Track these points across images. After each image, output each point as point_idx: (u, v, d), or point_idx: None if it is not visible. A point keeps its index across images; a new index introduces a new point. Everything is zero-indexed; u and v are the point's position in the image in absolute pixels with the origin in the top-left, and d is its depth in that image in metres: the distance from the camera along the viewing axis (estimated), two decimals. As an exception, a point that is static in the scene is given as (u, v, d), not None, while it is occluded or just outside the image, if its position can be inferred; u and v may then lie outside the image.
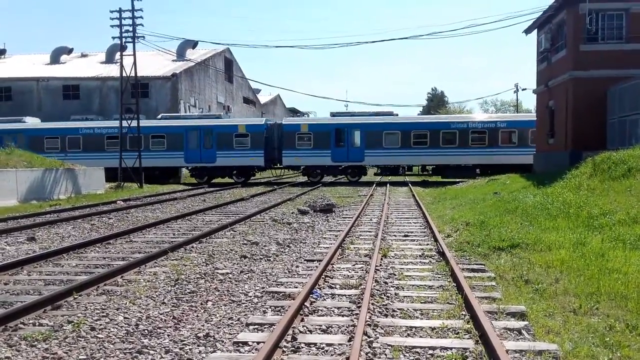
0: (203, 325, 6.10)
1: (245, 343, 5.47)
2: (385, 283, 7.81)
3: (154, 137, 36.01)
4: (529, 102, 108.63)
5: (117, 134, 33.40)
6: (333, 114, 37.25)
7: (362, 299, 6.72)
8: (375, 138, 34.63)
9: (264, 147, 35.76)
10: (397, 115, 36.70)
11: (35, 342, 5.52)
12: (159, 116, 38.28)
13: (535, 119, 29.96)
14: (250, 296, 7.33)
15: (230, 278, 8.41)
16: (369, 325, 5.89)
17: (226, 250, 10.76)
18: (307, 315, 6.33)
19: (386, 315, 6.31)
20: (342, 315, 6.37)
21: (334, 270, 8.76)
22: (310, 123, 35.72)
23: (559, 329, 5.72)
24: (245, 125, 36.37)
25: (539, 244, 9.66)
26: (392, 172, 37.11)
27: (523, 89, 61.21)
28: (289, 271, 8.88)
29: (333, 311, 6.54)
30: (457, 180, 32.72)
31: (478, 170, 34.58)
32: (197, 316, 6.47)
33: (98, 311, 6.58)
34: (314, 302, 6.88)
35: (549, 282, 7.48)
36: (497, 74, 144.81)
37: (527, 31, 27.51)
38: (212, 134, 35.74)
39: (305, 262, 9.58)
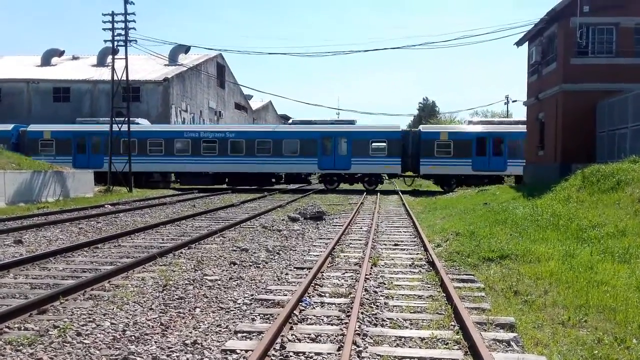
0: (191, 332, 6.04)
1: (233, 351, 5.42)
2: (375, 292, 7.78)
3: None
4: (520, 113, 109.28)
5: None
6: (79, 121, 38.28)
7: (351, 308, 6.69)
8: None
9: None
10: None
11: (20, 347, 5.45)
12: None
13: (262, 130, 35.93)
14: (239, 303, 7.28)
15: (219, 285, 8.35)
16: (359, 334, 5.87)
17: (215, 256, 10.70)
18: (296, 324, 6.29)
19: (375, 325, 6.29)
20: (332, 324, 6.33)
21: (323, 279, 8.73)
22: (53, 130, 36.40)
23: (548, 341, 5.72)
24: None
25: (528, 255, 9.69)
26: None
27: (514, 101, 61.79)
28: (278, 279, 8.83)
29: (322, 320, 6.51)
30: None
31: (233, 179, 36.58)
32: (185, 323, 6.41)
33: (85, 316, 6.51)
34: (303, 310, 6.84)
35: (538, 294, 7.49)
36: (488, 85, 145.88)
37: (519, 43, 27.69)
38: None
39: (295, 269, 9.55)
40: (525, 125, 34.55)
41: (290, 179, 37.41)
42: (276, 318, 6.20)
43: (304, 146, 34.69)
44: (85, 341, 5.66)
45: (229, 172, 35.82)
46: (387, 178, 37.16)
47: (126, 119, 32.19)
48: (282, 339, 5.68)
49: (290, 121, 39.08)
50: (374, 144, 34.43)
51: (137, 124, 36.60)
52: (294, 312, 6.61)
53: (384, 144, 34.43)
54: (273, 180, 36.77)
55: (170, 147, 35.49)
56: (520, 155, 32.97)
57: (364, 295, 7.52)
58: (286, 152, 34.87)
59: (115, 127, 32.16)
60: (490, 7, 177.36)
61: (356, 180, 36.28)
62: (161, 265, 9.66)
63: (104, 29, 30.98)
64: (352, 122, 36.20)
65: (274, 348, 5.46)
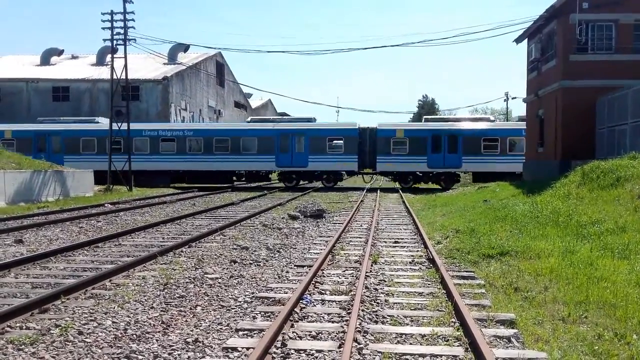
0: (192, 331, 6.06)
1: (234, 349, 5.44)
2: (376, 289, 7.80)
3: None
4: (520, 110, 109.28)
5: None
6: (40, 121, 38.00)
7: (352, 305, 6.71)
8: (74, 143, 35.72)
9: None
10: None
11: (22, 346, 5.46)
12: None
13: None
14: (240, 301, 7.30)
15: (219, 283, 8.37)
16: (359, 331, 5.88)
17: (216, 254, 10.71)
18: (297, 321, 6.31)
19: (376, 322, 6.31)
20: (332, 322, 6.35)
21: (324, 276, 8.74)
22: (14, 129, 36.53)
23: (548, 337, 5.74)
24: None
25: (528, 252, 9.70)
26: None
27: (513, 98, 61.75)
28: (279, 276, 8.85)
29: (323, 317, 6.53)
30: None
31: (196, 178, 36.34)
32: (186, 321, 6.43)
33: (86, 315, 6.52)
34: (304, 307, 6.86)
35: (538, 290, 7.51)
36: (488, 82, 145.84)
37: (518, 40, 27.69)
38: None
39: (296, 267, 9.56)
40: (480, 123, 35.32)
41: (251, 177, 37.40)
42: (277, 316, 6.22)
43: (262, 144, 34.71)
44: (86, 340, 5.68)
45: (188, 170, 35.80)
46: (346, 175, 37.29)
47: (79, 118, 32.16)
48: (283, 337, 5.70)
49: (249, 119, 39.10)
50: (331, 141, 34.56)
51: (97, 122, 36.76)
52: (295, 309, 6.63)
53: (341, 141, 34.56)
54: (234, 178, 36.80)
55: (129, 146, 35.36)
56: (475, 152, 33.25)
57: (364, 292, 7.53)
58: (244, 150, 34.89)
59: (65, 127, 31.83)
60: (489, 4, 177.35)
61: (315, 177, 36.42)
62: (162, 264, 9.67)
63: (103, 28, 30.93)
64: (311, 120, 36.14)
65: (275, 345, 5.47)
